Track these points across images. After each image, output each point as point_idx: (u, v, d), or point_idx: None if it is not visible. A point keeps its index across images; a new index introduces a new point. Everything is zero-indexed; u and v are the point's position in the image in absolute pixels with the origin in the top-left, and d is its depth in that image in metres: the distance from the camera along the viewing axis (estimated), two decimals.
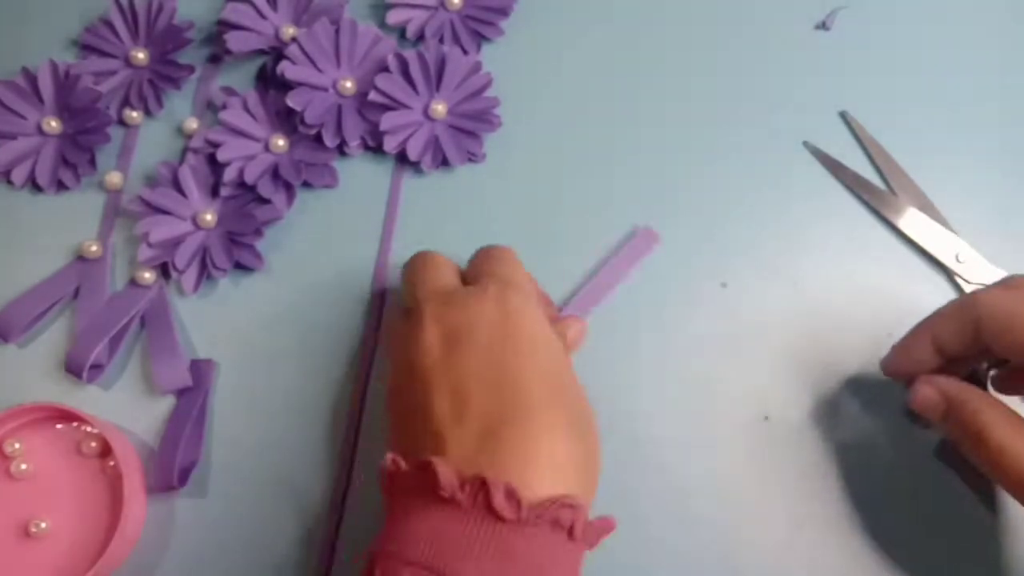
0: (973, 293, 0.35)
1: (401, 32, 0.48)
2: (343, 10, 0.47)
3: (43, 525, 0.39)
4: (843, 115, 0.46)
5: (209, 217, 0.44)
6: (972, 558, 0.39)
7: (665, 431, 0.41)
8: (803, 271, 0.44)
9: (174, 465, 0.39)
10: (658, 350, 0.42)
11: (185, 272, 0.43)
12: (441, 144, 0.45)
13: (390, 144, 0.45)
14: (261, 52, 0.48)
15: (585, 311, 0.42)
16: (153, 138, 0.47)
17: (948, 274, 0.43)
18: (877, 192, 0.45)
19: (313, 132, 0.45)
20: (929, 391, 0.35)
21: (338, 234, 0.45)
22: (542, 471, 0.29)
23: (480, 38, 0.48)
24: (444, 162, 0.45)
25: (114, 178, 0.45)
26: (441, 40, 0.47)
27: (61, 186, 0.46)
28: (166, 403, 0.42)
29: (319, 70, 0.46)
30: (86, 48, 0.48)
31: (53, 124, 0.46)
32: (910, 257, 0.44)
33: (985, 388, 0.39)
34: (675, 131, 0.46)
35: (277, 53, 0.47)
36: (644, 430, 0.41)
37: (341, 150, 0.46)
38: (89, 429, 0.40)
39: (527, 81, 0.47)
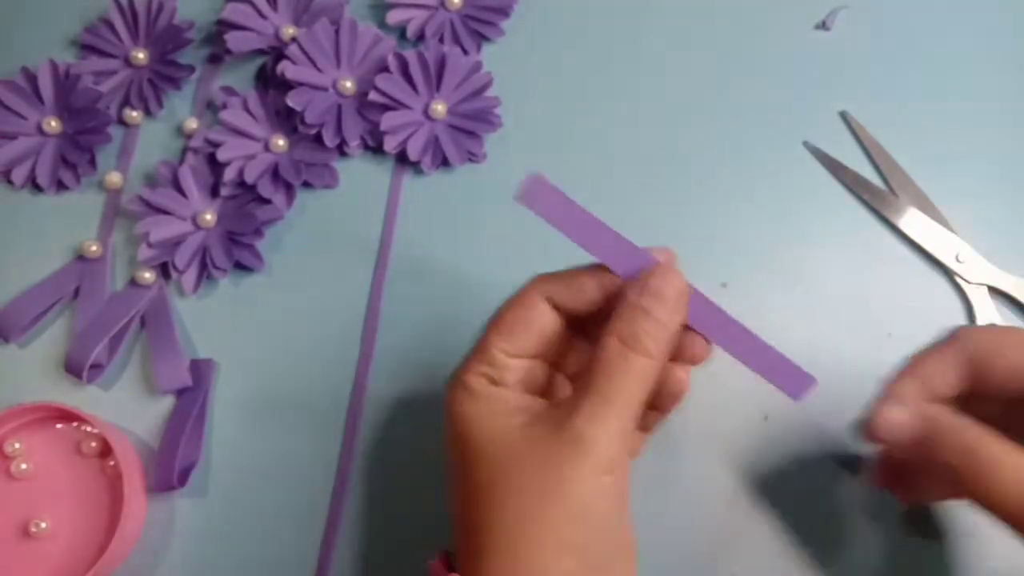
0: (960, 328, 0.34)
1: (401, 32, 0.48)
2: (343, 10, 0.47)
3: (43, 525, 0.39)
4: (843, 115, 0.46)
5: (209, 217, 0.44)
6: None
7: (665, 431, 0.41)
8: (803, 271, 0.44)
9: (174, 465, 0.39)
10: None
11: (185, 272, 0.43)
12: (441, 144, 0.45)
13: (390, 144, 0.45)
14: (261, 52, 0.48)
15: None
16: (153, 138, 0.47)
17: (948, 274, 0.43)
18: (877, 192, 0.45)
19: (313, 132, 0.45)
20: (898, 411, 0.31)
21: (338, 234, 0.45)
22: None
23: (480, 38, 0.48)
24: (444, 162, 0.45)
25: (114, 178, 0.45)
26: (441, 40, 0.47)
27: (61, 186, 0.46)
28: (166, 403, 0.42)
29: (319, 70, 0.46)
30: (86, 48, 0.48)
31: (53, 124, 0.46)
32: (910, 257, 0.44)
33: None
34: (675, 131, 0.46)
35: (277, 53, 0.47)
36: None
37: (341, 150, 0.46)
38: (89, 429, 0.40)
39: (527, 81, 0.47)
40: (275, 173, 0.44)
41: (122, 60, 0.48)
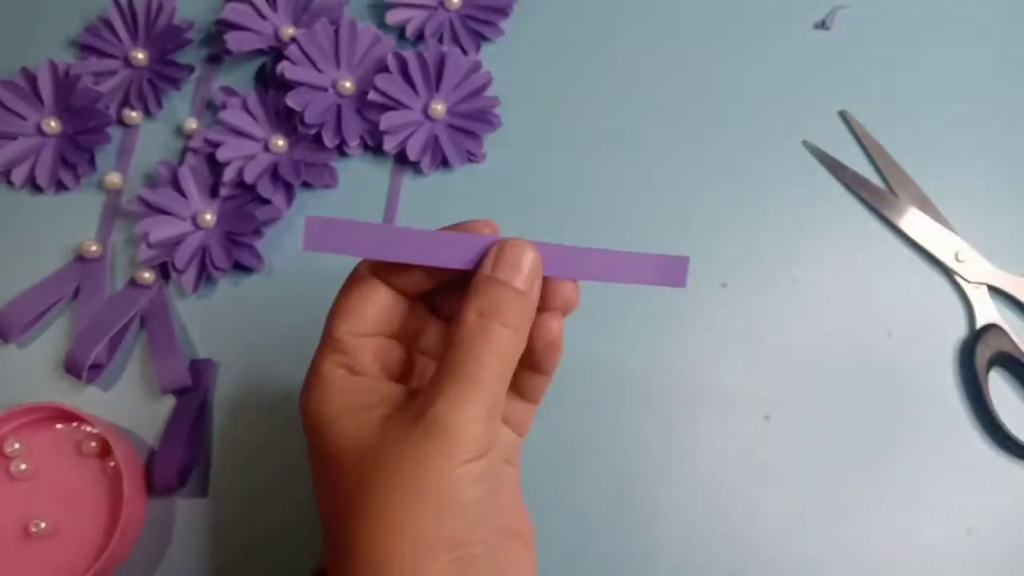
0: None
1: (401, 32, 0.48)
2: (343, 10, 0.47)
3: (43, 525, 0.39)
4: (843, 115, 0.46)
5: (209, 217, 0.44)
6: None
7: (665, 431, 0.41)
8: (803, 271, 0.44)
9: (174, 465, 0.39)
10: (658, 350, 0.42)
11: (185, 272, 0.43)
12: (441, 144, 0.45)
13: (390, 144, 0.45)
14: (261, 52, 0.48)
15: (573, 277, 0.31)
16: (153, 138, 0.47)
17: (948, 273, 0.43)
18: (877, 192, 0.45)
19: (313, 132, 0.45)
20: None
21: None
22: None
23: (480, 38, 0.48)
24: (444, 162, 0.45)
25: (114, 178, 0.45)
26: (440, 40, 0.47)
27: (61, 186, 0.46)
28: (166, 403, 0.42)
29: (319, 70, 0.46)
30: (86, 48, 0.48)
31: (53, 124, 0.46)
32: (910, 257, 0.44)
33: None
34: (675, 130, 0.46)
35: (277, 53, 0.47)
36: (644, 430, 0.41)
37: (341, 150, 0.46)
38: (89, 429, 0.40)
39: (527, 81, 0.47)
40: (275, 173, 0.44)
41: (122, 60, 0.48)
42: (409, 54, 0.45)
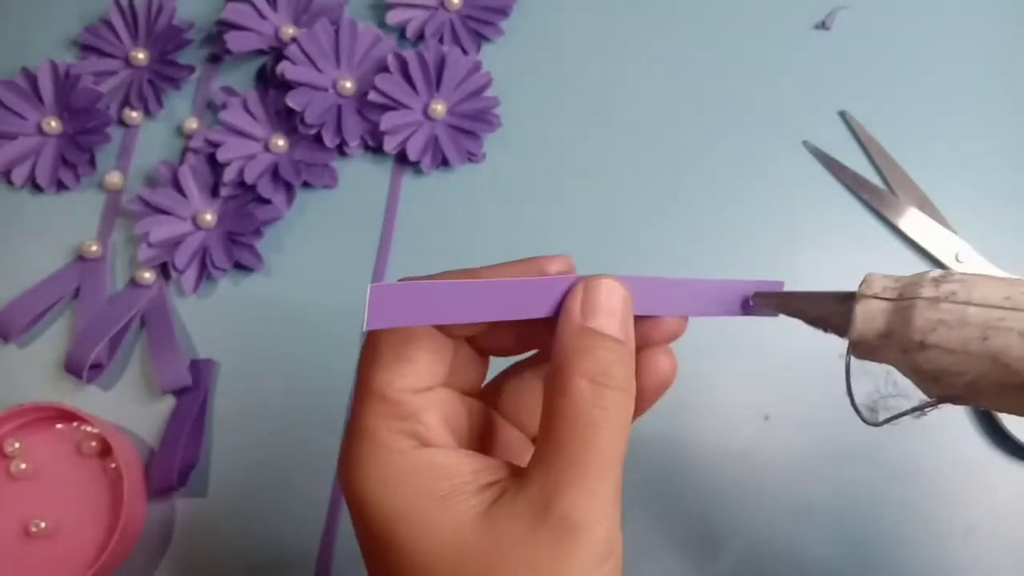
0: None
1: (401, 32, 0.48)
2: (343, 10, 0.47)
3: (43, 525, 0.39)
4: (843, 115, 0.46)
5: (209, 217, 0.44)
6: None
7: (665, 431, 0.41)
8: (803, 270, 0.44)
9: (174, 465, 0.39)
10: None
11: (185, 272, 0.43)
12: (441, 144, 0.45)
13: (390, 144, 0.45)
14: (261, 52, 0.48)
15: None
16: (153, 138, 0.47)
17: None
18: (877, 192, 0.45)
19: (313, 132, 0.45)
20: None
21: (338, 234, 0.45)
22: None
23: (480, 38, 0.48)
24: (444, 162, 0.45)
25: (114, 178, 0.45)
26: (441, 40, 0.47)
27: (61, 186, 0.46)
28: (166, 403, 0.42)
29: (319, 70, 0.46)
30: (86, 48, 0.48)
31: (53, 124, 0.46)
32: (910, 257, 0.44)
33: None
34: (675, 130, 0.46)
35: (277, 53, 0.47)
36: (644, 430, 0.41)
37: (341, 150, 0.46)
38: (89, 429, 0.40)
39: (527, 81, 0.47)
40: (275, 173, 0.44)
41: (122, 60, 0.48)
42: (409, 54, 0.45)
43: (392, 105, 0.45)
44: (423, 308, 0.22)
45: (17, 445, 0.40)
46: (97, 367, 0.42)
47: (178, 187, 0.44)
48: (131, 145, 0.47)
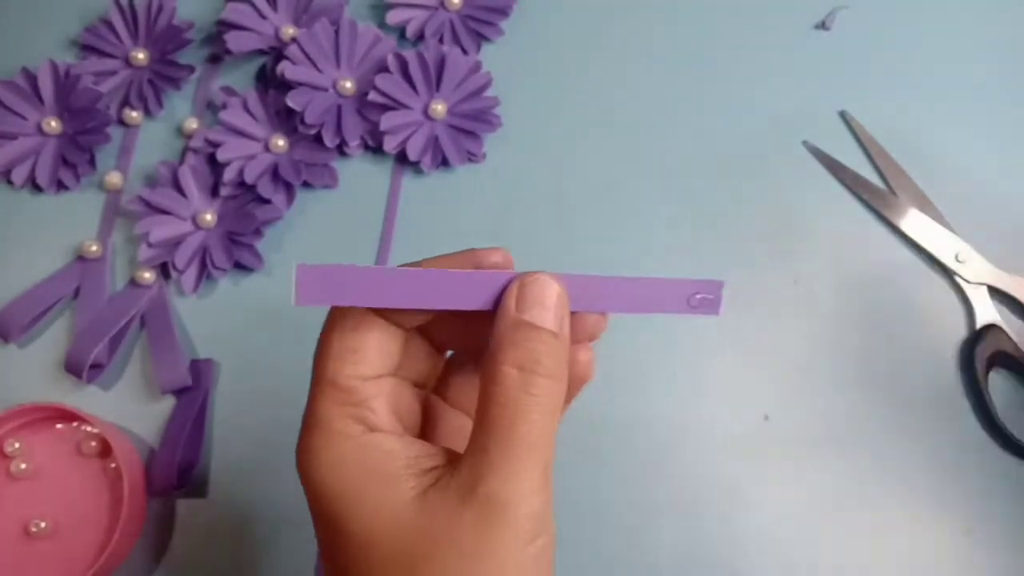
0: None
1: (401, 32, 0.48)
2: (343, 10, 0.47)
3: (43, 525, 0.39)
4: (843, 115, 0.46)
5: (209, 217, 0.44)
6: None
7: (665, 431, 0.41)
8: (803, 271, 0.44)
9: (174, 465, 0.39)
10: (658, 350, 0.42)
11: (185, 272, 0.43)
12: (441, 144, 0.45)
13: (390, 144, 0.45)
14: (261, 52, 0.48)
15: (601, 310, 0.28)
16: (153, 138, 0.47)
17: (948, 274, 0.43)
18: (877, 192, 0.45)
19: (313, 132, 0.45)
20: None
21: (338, 234, 0.45)
22: None
23: (480, 38, 0.48)
24: (444, 162, 0.45)
25: (114, 178, 0.45)
26: (441, 40, 0.47)
27: (61, 186, 0.46)
28: (166, 403, 0.42)
29: (319, 70, 0.46)
30: (86, 48, 0.48)
31: (53, 124, 0.46)
32: (910, 257, 0.44)
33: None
34: (675, 130, 0.46)
35: (277, 53, 0.47)
36: (644, 430, 0.41)
37: (341, 150, 0.46)
38: (89, 429, 0.40)
39: (527, 81, 0.47)
40: (275, 173, 0.44)
41: (122, 60, 0.48)
42: (409, 54, 0.45)
43: (392, 105, 0.45)
44: (350, 290, 0.23)
45: (17, 445, 0.40)
46: (97, 367, 0.42)
47: (178, 187, 0.44)
48: (131, 145, 0.47)
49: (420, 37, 0.48)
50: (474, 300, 0.24)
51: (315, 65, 0.45)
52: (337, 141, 0.45)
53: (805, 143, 0.46)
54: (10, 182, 0.46)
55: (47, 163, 0.46)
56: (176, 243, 0.43)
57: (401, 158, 0.46)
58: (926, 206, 0.44)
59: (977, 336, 0.42)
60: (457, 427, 0.28)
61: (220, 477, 0.41)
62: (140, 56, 0.47)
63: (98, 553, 0.38)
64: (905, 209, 0.44)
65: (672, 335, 0.42)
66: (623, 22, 0.49)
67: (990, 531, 0.39)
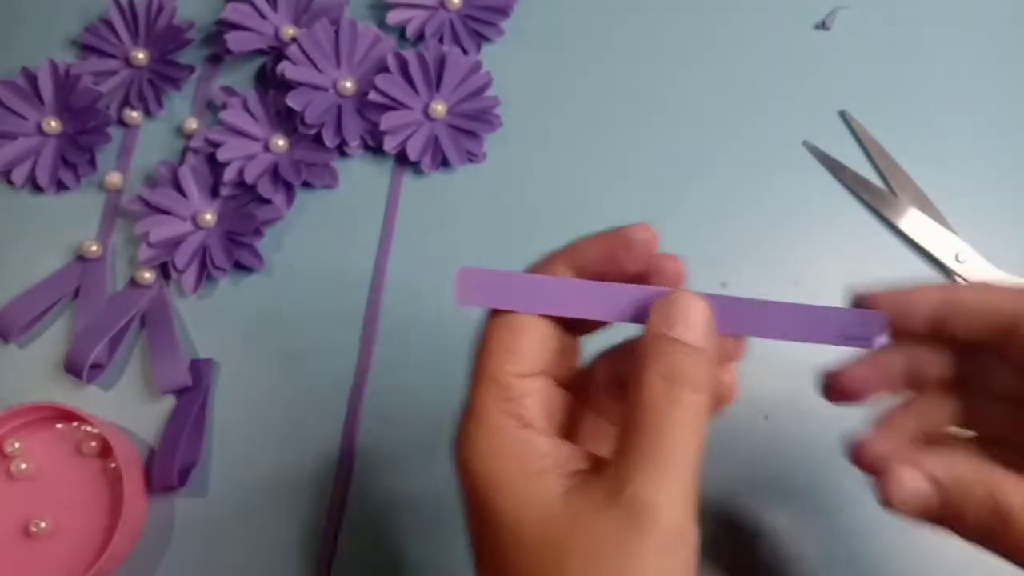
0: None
1: (401, 32, 0.48)
2: (343, 10, 0.47)
3: (43, 525, 0.39)
4: (843, 115, 0.46)
5: (209, 217, 0.44)
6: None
7: None
8: (803, 271, 0.44)
9: (174, 465, 0.39)
10: None
11: (185, 272, 0.43)
12: (441, 144, 0.45)
13: (390, 144, 0.45)
14: (261, 52, 0.48)
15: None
16: (153, 138, 0.47)
17: (948, 274, 0.43)
18: (877, 192, 0.45)
19: (313, 132, 0.45)
20: (913, 479, 0.26)
21: (338, 234, 0.45)
22: None
23: (480, 38, 0.48)
24: (444, 162, 0.45)
25: (114, 178, 0.46)
26: (441, 40, 0.47)
27: (61, 186, 0.46)
28: (166, 403, 0.42)
29: (319, 70, 0.46)
30: (86, 48, 0.48)
31: (53, 124, 0.46)
32: (910, 257, 0.44)
33: None
34: (675, 131, 0.46)
35: (277, 53, 0.47)
36: None
37: (341, 150, 0.46)
38: (89, 429, 0.40)
39: (527, 81, 0.47)
40: (275, 173, 0.44)
41: (122, 60, 0.48)
42: (409, 54, 0.45)
43: (392, 105, 0.45)
44: (505, 293, 0.25)
45: (17, 445, 0.40)
46: (97, 367, 0.42)
47: (178, 187, 0.44)
48: (131, 145, 0.47)
49: (420, 37, 0.48)
50: (626, 312, 0.26)
51: (315, 65, 0.46)
52: (337, 141, 0.45)
53: (805, 143, 0.46)
54: (10, 182, 0.46)
55: (47, 163, 0.46)
56: (176, 243, 0.43)
57: (401, 158, 0.46)
58: (926, 206, 0.44)
59: None
60: (599, 431, 0.29)
61: (220, 477, 0.41)
62: (140, 56, 0.47)
63: (98, 553, 0.38)
64: (905, 209, 0.44)
65: None
66: (623, 22, 0.49)
67: None
